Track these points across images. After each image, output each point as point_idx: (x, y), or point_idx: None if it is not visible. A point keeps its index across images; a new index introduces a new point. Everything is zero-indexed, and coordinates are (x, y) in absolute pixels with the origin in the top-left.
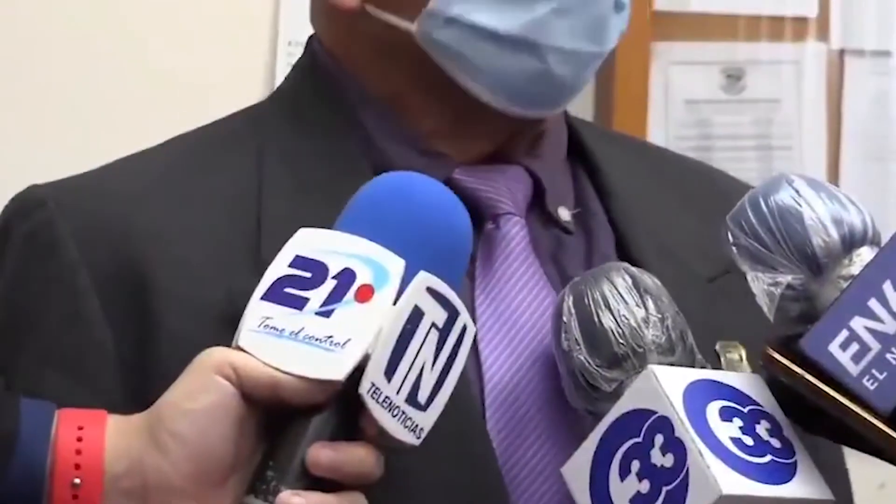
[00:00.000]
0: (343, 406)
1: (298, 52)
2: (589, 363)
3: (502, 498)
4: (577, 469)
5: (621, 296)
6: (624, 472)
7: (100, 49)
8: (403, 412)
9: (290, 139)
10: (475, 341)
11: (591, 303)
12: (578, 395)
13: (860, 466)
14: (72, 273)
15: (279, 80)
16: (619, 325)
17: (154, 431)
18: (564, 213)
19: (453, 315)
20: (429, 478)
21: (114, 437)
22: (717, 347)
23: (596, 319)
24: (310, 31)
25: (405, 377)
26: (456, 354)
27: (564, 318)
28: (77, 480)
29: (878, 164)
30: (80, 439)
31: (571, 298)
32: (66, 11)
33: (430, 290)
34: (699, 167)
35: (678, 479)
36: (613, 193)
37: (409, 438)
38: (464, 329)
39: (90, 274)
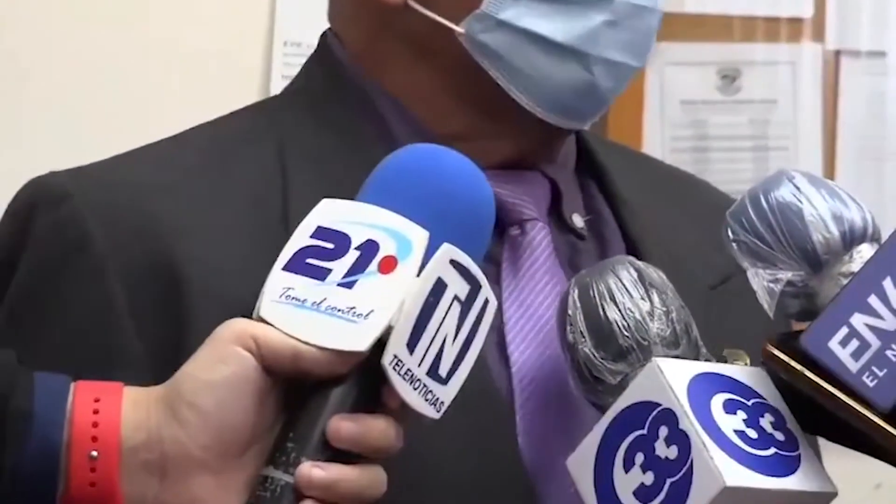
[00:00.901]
0: (364, 378)
1: (295, 52)
2: (594, 356)
3: (528, 489)
4: (581, 461)
5: (626, 289)
6: (628, 464)
7: (96, 48)
8: (425, 385)
9: (311, 135)
10: (503, 342)
11: (596, 295)
12: (583, 387)
13: (856, 466)
14: (100, 270)
15: (275, 80)
16: (624, 318)
17: (173, 403)
18: (578, 220)
19: (475, 288)
20: (456, 470)
21: (131, 409)
22: (724, 354)
23: (601, 312)
24: (306, 31)
25: (427, 350)
26: (477, 328)
27: (570, 311)
28: (94, 453)
29: (873, 163)
30: (96, 412)
31: (577, 291)
32: (63, 10)
33: (454, 263)
34: (686, 177)
35: (682, 471)
36: (623, 200)
37: (430, 412)
38: (486, 303)
39: (118, 270)
